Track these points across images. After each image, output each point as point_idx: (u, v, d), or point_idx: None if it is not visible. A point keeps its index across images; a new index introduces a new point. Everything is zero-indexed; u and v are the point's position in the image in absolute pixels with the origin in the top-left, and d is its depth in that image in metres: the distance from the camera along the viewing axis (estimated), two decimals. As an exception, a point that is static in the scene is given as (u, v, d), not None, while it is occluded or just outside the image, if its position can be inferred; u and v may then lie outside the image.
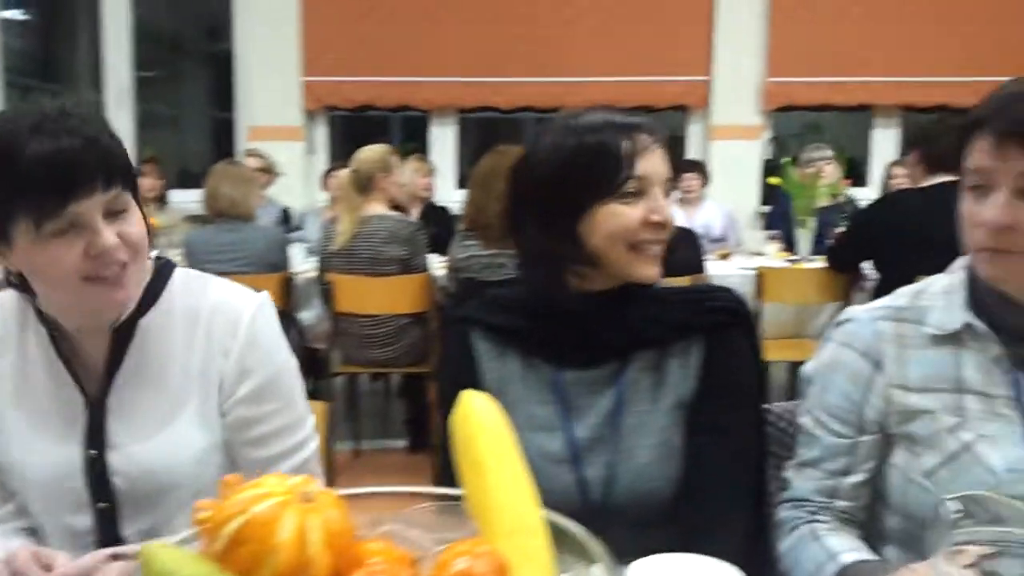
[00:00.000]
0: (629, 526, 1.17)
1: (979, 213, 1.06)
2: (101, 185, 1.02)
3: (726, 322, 1.22)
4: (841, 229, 3.86)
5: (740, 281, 3.94)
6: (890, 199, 3.65)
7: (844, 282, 3.61)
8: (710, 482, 1.17)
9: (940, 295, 1.16)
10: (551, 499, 1.18)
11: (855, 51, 5.43)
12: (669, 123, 6.29)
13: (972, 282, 1.13)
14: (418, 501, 0.68)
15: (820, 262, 3.87)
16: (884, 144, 5.66)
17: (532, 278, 1.24)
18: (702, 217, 5.04)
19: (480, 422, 0.60)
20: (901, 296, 1.20)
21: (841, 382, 1.17)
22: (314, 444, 1.25)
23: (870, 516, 1.20)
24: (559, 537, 0.60)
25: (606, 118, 1.18)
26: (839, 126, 6.96)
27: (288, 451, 1.21)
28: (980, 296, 1.12)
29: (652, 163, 1.16)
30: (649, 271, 1.18)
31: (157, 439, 1.15)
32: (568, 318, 1.21)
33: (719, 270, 4.05)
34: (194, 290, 1.20)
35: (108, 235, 1.03)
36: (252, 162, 4.71)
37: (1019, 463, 1.08)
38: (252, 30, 5.69)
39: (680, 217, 4.90)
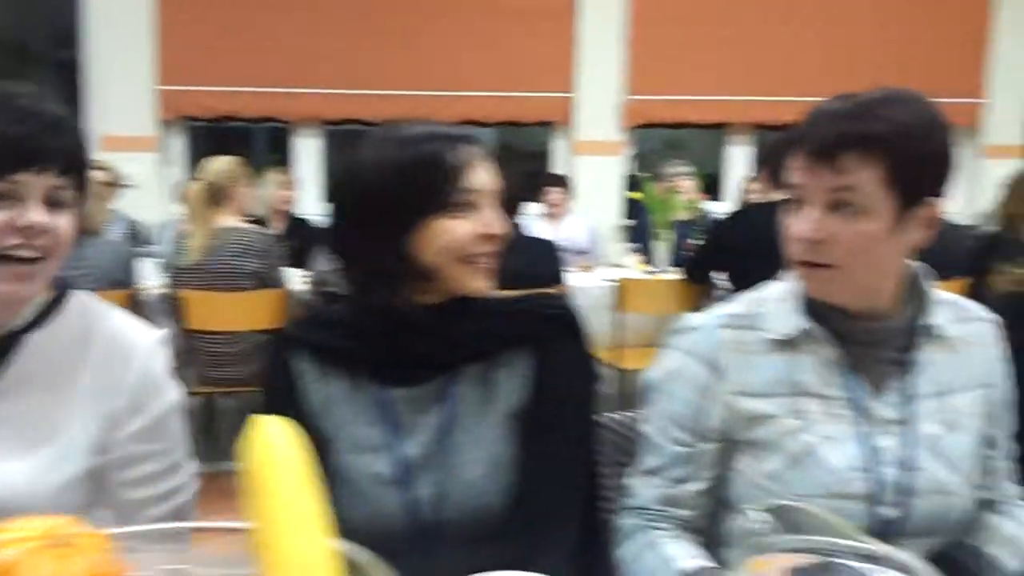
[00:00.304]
0: (462, 544, 1.16)
1: (794, 227, 1.10)
2: (56, 169, 1.01)
3: (556, 331, 1.22)
4: (697, 241, 4.00)
5: (601, 292, 4.03)
6: (741, 213, 3.79)
7: (699, 292, 3.73)
8: (539, 494, 1.17)
9: (777, 301, 1.19)
10: (380, 522, 1.16)
11: (711, 71, 5.64)
12: (536, 138, 6.38)
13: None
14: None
15: (677, 273, 3.99)
16: (738, 160, 5.91)
17: (356, 294, 1.21)
18: (566, 230, 5.11)
19: (267, 451, 0.57)
20: (740, 303, 1.23)
21: (683, 390, 1.19)
22: (191, 491, 1.19)
23: (714, 522, 1.22)
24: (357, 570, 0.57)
25: (430, 130, 1.16)
26: (699, 143, 7.23)
27: (164, 495, 1.15)
28: (812, 301, 1.16)
29: (480, 175, 1.15)
30: (480, 283, 1.17)
31: (22, 461, 1.07)
32: (392, 334, 1.18)
33: (581, 282, 4.11)
34: (91, 316, 1.14)
35: (40, 212, 1.01)
36: (97, 175, 4.46)
37: (857, 461, 1.12)
38: (103, 36, 5.41)
39: (545, 230, 4.97)
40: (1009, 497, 1.25)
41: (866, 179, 1.04)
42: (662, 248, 4.31)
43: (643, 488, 1.22)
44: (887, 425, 1.14)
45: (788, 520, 0.73)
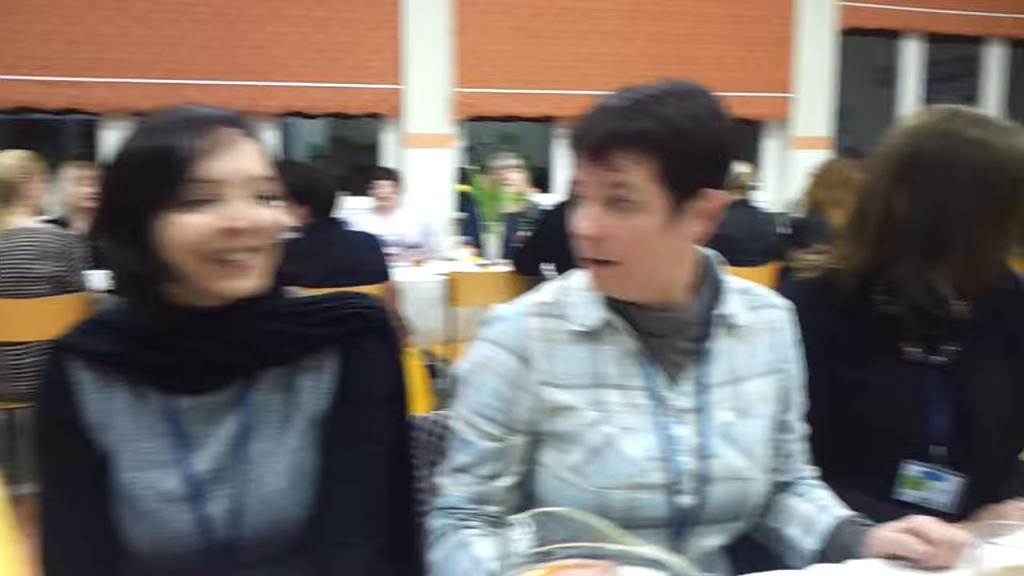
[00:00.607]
0: (260, 563, 1.09)
1: (577, 225, 1.10)
2: None
3: (361, 332, 1.16)
4: (526, 233, 4.02)
5: (433, 287, 4.00)
6: (567, 204, 3.84)
7: (529, 284, 3.75)
8: (341, 505, 1.11)
9: (581, 291, 1.18)
10: (170, 542, 1.06)
11: (538, 65, 5.71)
12: (367, 130, 6.26)
13: None
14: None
15: (508, 265, 4.00)
16: (566, 153, 6.01)
17: (126, 296, 1.10)
18: (397, 224, 5.03)
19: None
20: (547, 292, 1.21)
21: (492, 381, 1.16)
22: None
23: None
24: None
25: (183, 115, 1.06)
26: (531, 136, 7.32)
27: None
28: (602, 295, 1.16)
29: (229, 163, 1.04)
30: (240, 284, 1.06)
31: None
32: (176, 339, 1.08)
33: (412, 276, 4.07)
34: None
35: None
36: None
37: (655, 451, 1.13)
38: None
39: (375, 224, 4.87)
40: (805, 477, 1.29)
41: (638, 176, 1.05)
42: (493, 241, 4.32)
43: (453, 487, 1.19)
44: (683, 414, 1.15)
45: (552, 526, 0.71)
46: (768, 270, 4.00)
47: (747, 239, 4.14)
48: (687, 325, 1.17)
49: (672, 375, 1.16)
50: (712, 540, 1.17)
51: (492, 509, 1.17)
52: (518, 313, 1.18)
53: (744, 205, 4.46)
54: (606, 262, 1.10)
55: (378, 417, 1.16)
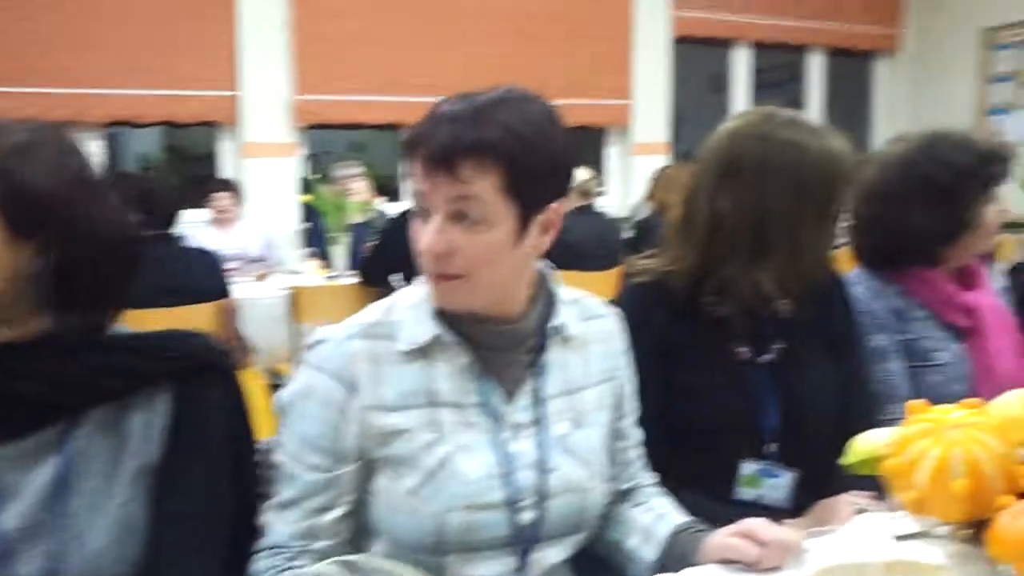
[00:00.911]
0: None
1: (420, 239, 1.05)
2: None
3: (195, 370, 1.06)
4: (372, 243, 3.93)
5: (277, 302, 3.84)
6: (412, 212, 3.78)
7: (377, 296, 3.65)
8: (171, 562, 1.01)
9: (409, 308, 1.13)
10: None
11: (382, 71, 5.60)
12: (203, 139, 5.98)
13: None
14: None
15: (355, 277, 3.90)
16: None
17: None
18: (238, 238, 4.82)
19: None
20: (373, 311, 1.15)
21: (316, 409, 1.09)
22: None
23: (355, 549, 1.13)
24: None
25: None
26: (381, 144, 7.19)
27: None
28: (444, 308, 1.11)
29: None
30: None
31: None
32: None
33: (254, 292, 3.90)
34: None
35: None
36: None
37: (492, 469, 1.09)
38: None
39: (213, 239, 4.65)
40: (644, 485, 1.29)
41: (485, 188, 1.00)
42: (339, 252, 4.20)
43: (279, 523, 1.10)
44: (521, 429, 1.12)
45: (360, 572, 0.66)
46: (614, 275, 4.07)
47: (593, 245, 4.21)
48: (524, 337, 1.14)
49: (508, 390, 1.13)
50: (555, 555, 1.14)
51: (321, 544, 1.10)
52: (342, 336, 1.11)
53: (589, 211, 4.54)
54: (451, 276, 1.05)
55: (216, 463, 1.07)
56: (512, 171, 1.01)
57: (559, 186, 1.08)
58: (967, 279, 1.73)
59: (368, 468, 1.10)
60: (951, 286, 1.69)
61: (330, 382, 1.08)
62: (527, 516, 1.10)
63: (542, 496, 1.11)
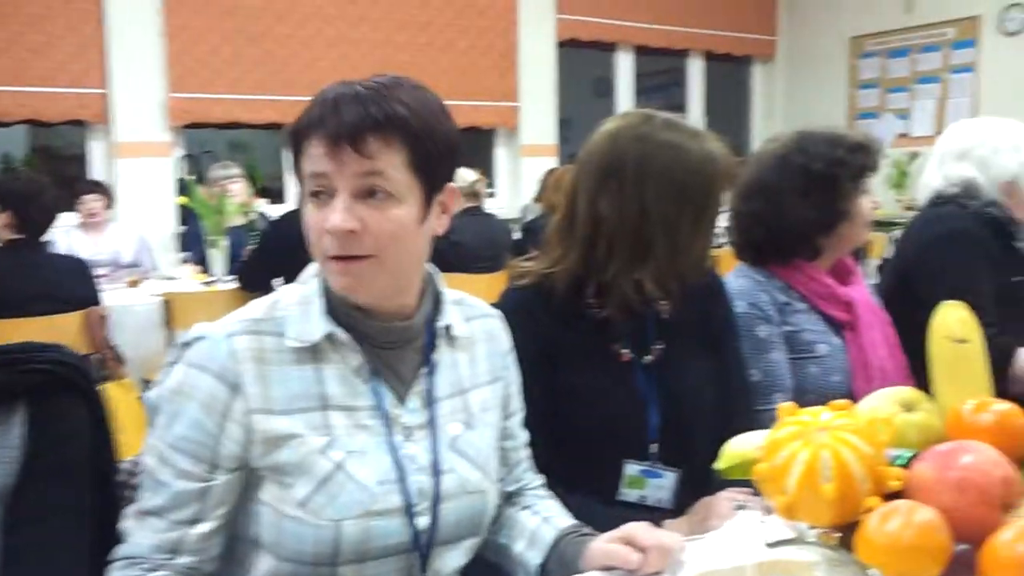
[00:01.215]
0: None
1: (323, 220, 1.00)
2: None
3: (52, 385, 0.98)
4: (252, 247, 3.80)
5: (149, 309, 3.66)
6: (293, 213, 3.66)
7: (258, 301, 3.54)
8: None
9: (296, 305, 1.06)
10: None
11: (262, 69, 5.43)
12: (72, 138, 5.67)
13: (328, 291, 1.06)
14: None
15: (234, 282, 3.76)
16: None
17: None
18: (109, 242, 4.59)
19: None
20: (258, 307, 1.08)
21: (192, 411, 1.01)
22: None
23: (227, 566, 1.06)
24: None
25: None
26: (265, 144, 6.97)
27: None
28: (336, 305, 1.06)
29: None
30: None
31: None
32: None
33: (126, 299, 3.72)
34: None
35: None
36: None
37: (388, 474, 1.04)
38: None
39: (84, 243, 4.41)
40: (531, 487, 1.27)
41: (393, 163, 0.99)
42: (217, 256, 4.04)
43: (140, 533, 1.02)
44: (414, 431, 1.09)
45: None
46: (502, 277, 4.06)
47: (482, 246, 4.19)
48: (415, 336, 1.11)
49: (400, 392, 1.09)
50: (453, 561, 1.11)
51: (184, 560, 1.02)
52: (223, 333, 1.03)
53: (478, 212, 4.51)
54: (357, 257, 1.00)
55: (75, 486, 1.00)
56: (417, 148, 1.00)
57: (453, 167, 1.09)
58: (842, 274, 1.79)
59: (248, 478, 1.04)
60: (829, 280, 1.74)
61: (212, 382, 1.01)
62: (423, 521, 1.06)
63: (436, 500, 1.07)
